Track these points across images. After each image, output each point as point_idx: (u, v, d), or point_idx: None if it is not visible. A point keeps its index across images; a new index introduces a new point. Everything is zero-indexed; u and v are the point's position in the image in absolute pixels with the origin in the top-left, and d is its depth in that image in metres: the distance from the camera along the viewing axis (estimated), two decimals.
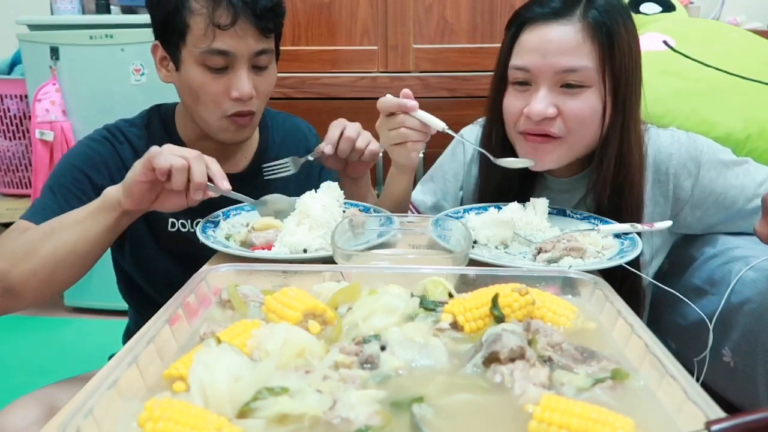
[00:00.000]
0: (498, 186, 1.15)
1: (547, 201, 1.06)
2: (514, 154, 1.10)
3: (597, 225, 1.02)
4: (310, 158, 1.13)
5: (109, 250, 1.23)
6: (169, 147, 0.91)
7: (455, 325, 0.64)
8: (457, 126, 1.31)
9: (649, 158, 1.11)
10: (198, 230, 0.97)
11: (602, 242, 0.97)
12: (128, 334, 1.30)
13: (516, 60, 1.03)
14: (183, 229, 1.15)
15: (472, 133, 1.27)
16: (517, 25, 1.04)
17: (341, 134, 1.11)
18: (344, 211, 1.04)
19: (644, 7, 1.68)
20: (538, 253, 0.93)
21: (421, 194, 1.30)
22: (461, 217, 1.08)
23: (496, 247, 0.98)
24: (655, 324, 1.22)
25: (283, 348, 0.56)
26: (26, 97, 2.48)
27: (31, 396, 0.97)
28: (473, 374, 0.56)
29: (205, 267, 0.81)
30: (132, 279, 1.22)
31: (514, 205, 1.08)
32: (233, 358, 0.52)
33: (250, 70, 1.06)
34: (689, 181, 1.10)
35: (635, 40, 1.03)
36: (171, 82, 1.11)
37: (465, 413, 0.51)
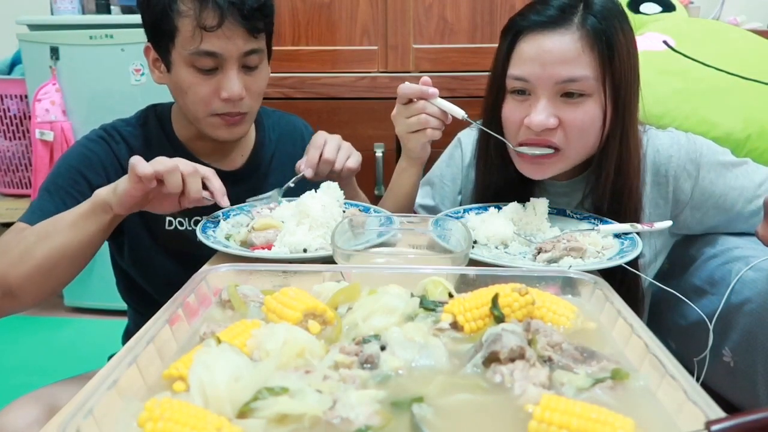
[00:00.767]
0: (497, 189, 1.15)
1: (547, 201, 1.06)
2: (512, 163, 1.09)
3: (597, 225, 1.02)
4: (291, 185, 1.13)
5: (107, 250, 1.23)
6: (156, 158, 0.90)
7: (455, 325, 0.64)
8: (456, 126, 1.31)
9: (648, 160, 1.10)
10: (198, 230, 0.97)
11: (602, 242, 0.97)
12: (128, 335, 1.30)
13: (514, 70, 1.01)
14: (180, 228, 1.15)
15: (469, 137, 1.26)
16: (513, 33, 1.02)
17: (320, 156, 1.12)
18: (344, 211, 1.04)
19: (644, 7, 1.68)
20: (538, 253, 0.93)
21: (419, 198, 1.30)
22: (461, 217, 1.08)
23: (496, 247, 0.98)
24: (655, 324, 1.22)
25: (283, 348, 0.56)
26: (26, 97, 2.48)
27: (31, 396, 0.97)
28: (473, 374, 0.56)
29: (205, 267, 0.81)
30: (131, 279, 1.22)
31: (514, 205, 1.08)
32: (233, 358, 0.52)
33: (240, 71, 1.06)
34: (689, 183, 1.10)
35: (633, 44, 1.02)
36: (164, 83, 1.12)
37: (465, 413, 0.51)
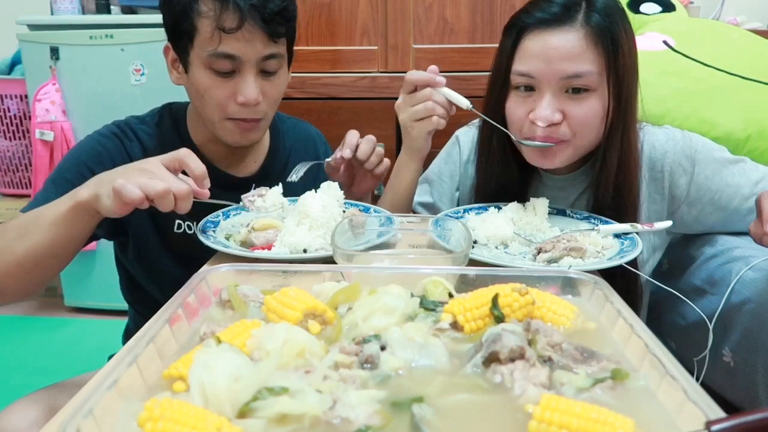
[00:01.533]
0: (496, 185, 1.15)
1: (547, 201, 1.07)
2: (515, 156, 1.11)
3: (597, 225, 1.02)
4: (329, 160, 1.13)
5: (110, 249, 1.23)
6: (133, 170, 0.85)
7: (455, 325, 0.64)
8: (456, 126, 1.31)
9: (644, 156, 1.12)
10: (198, 230, 0.97)
11: (602, 242, 0.97)
12: (128, 334, 1.30)
13: (519, 66, 1.02)
14: (189, 231, 1.14)
15: (467, 135, 1.27)
16: (517, 30, 1.03)
17: (358, 140, 1.12)
18: (344, 211, 1.04)
19: (644, 7, 1.68)
20: (538, 253, 0.93)
21: (417, 196, 1.30)
22: (461, 217, 1.09)
23: (496, 247, 0.98)
24: (655, 324, 1.22)
25: (283, 348, 0.56)
26: (26, 97, 2.48)
27: (31, 397, 0.96)
28: (473, 374, 0.56)
29: (205, 267, 0.81)
30: (134, 278, 1.21)
31: (514, 205, 1.08)
32: (233, 358, 0.52)
33: (258, 75, 1.04)
34: (684, 179, 1.11)
35: (633, 41, 1.03)
36: (181, 84, 1.10)
37: (465, 413, 0.51)
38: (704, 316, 0.97)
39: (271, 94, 1.08)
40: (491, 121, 1.07)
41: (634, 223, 0.99)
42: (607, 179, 1.06)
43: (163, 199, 0.83)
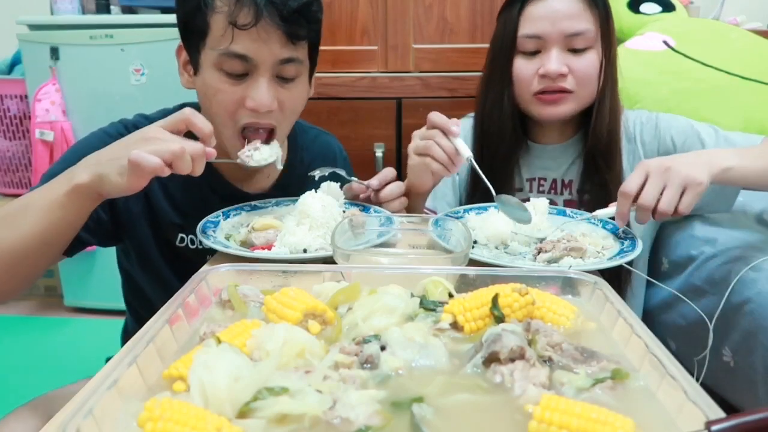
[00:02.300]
0: (497, 151, 1.23)
1: (547, 201, 1.07)
2: (522, 124, 1.24)
3: (594, 222, 1.02)
4: (354, 182, 1.11)
5: (110, 251, 1.22)
6: (136, 141, 0.81)
7: (455, 325, 0.64)
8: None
9: (621, 131, 1.24)
10: (198, 230, 0.97)
11: (602, 242, 0.97)
12: (126, 335, 1.29)
13: (527, 29, 1.16)
14: (191, 246, 1.10)
15: (464, 127, 1.27)
16: (521, 0, 1.17)
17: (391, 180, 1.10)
18: (344, 211, 1.04)
19: (644, 7, 1.68)
20: (538, 253, 0.93)
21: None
22: (461, 217, 1.09)
23: (496, 247, 0.98)
24: (655, 324, 1.22)
25: (283, 348, 0.56)
26: (26, 97, 2.48)
27: (29, 406, 0.93)
28: (473, 374, 0.56)
29: (205, 267, 0.81)
30: (136, 281, 1.19)
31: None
32: (233, 358, 0.52)
33: (273, 80, 0.96)
34: (651, 134, 1.22)
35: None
36: (191, 87, 1.04)
37: (465, 413, 0.51)
38: (704, 316, 0.97)
39: (288, 103, 0.99)
40: (485, 178, 1.04)
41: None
42: (602, 128, 1.17)
43: (181, 160, 0.79)
